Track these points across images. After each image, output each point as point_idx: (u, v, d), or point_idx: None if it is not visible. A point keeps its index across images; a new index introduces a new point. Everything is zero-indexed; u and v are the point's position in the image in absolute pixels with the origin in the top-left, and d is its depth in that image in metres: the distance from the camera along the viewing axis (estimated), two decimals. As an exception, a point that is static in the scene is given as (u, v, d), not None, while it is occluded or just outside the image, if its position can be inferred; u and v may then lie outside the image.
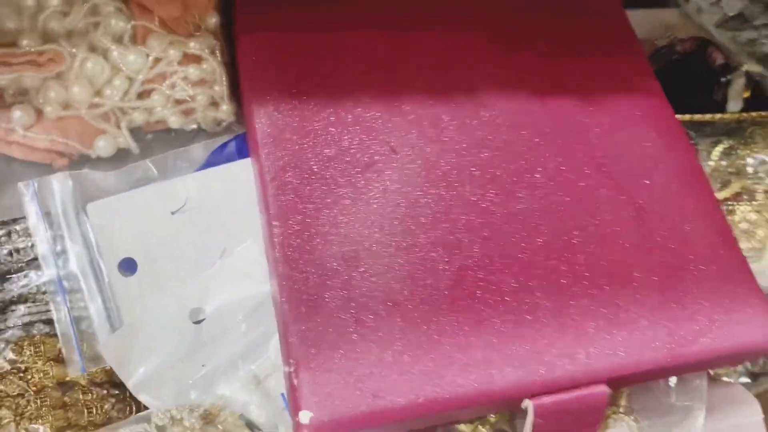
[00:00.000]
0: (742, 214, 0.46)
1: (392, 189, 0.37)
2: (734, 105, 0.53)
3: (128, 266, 0.37)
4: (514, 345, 0.34)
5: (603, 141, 0.42)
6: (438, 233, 0.37)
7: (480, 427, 0.39)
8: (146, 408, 0.36)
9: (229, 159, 0.40)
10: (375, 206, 0.37)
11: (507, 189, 0.38)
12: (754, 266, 0.45)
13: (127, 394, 0.37)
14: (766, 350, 0.38)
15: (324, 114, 0.39)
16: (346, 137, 0.38)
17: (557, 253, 0.37)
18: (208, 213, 0.39)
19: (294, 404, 0.32)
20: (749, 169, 0.47)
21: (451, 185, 0.38)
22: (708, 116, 0.50)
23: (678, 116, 0.44)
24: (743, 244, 0.46)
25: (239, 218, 0.39)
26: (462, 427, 0.38)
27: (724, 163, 0.49)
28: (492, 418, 0.39)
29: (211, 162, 0.40)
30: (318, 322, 0.33)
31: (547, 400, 0.34)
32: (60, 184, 0.37)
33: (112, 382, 0.37)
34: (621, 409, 0.40)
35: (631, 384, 0.38)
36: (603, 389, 0.35)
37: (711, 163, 0.49)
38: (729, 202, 0.47)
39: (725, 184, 0.47)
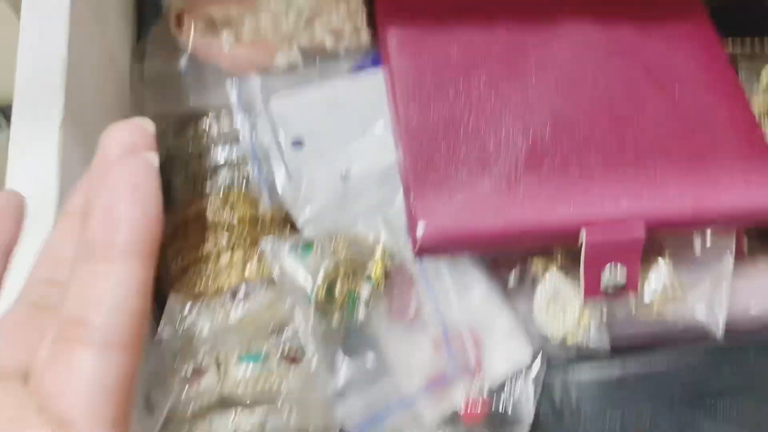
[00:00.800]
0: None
1: (489, 88, 0.51)
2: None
3: (298, 143, 0.53)
4: (572, 191, 0.47)
5: (652, 52, 0.53)
6: (519, 115, 0.50)
7: (550, 264, 0.51)
8: (309, 239, 0.51)
9: (367, 69, 0.55)
10: (475, 99, 0.51)
11: (573, 86, 0.51)
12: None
13: (297, 231, 0.53)
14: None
15: (435, 30, 0.53)
16: (454, 47, 0.52)
17: (609, 133, 0.50)
18: (353, 106, 0.54)
19: (412, 222, 0.46)
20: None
21: (530, 81, 0.51)
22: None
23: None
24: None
25: (374, 110, 0.53)
26: (535, 262, 0.51)
27: (770, 81, 0.59)
28: (560, 258, 0.51)
29: (354, 71, 0.56)
30: (429, 171, 0.47)
31: (596, 231, 0.47)
32: (252, 83, 0.54)
33: (286, 221, 0.53)
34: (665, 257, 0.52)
35: (666, 231, 0.49)
36: (640, 226, 0.47)
37: (761, 84, 0.59)
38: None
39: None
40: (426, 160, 0.48)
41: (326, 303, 0.47)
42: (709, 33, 0.55)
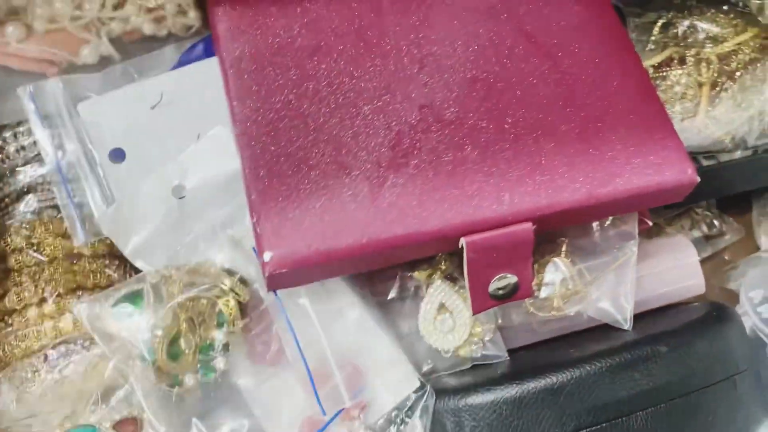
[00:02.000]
0: (675, 78, 0.50)
1: (337, 68, 0.42)
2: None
3: (117, 155, 0.43)
4: (447, 191, 0.39)
5: (532, 16, 0.46)
6: (379, 103, 0.42)
7: (433, 274, 0.44)
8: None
9: (198, 59, 0.46)
10: (323, 83, 0.42)
11: (441, 62, 0.43)
12: (687, 123, 0.50)
13: (126, 262, 0.43)
14: (680, 188, 0.42)
15: (274, 9, 0.44)
16: (297, 26, 0.43)
17: (486, 115, 0.42)
18: (183, 106, 0.44)
19: (259, 248, 0.38)
20: (681, 35, 0.51)
21: (390, 61, 0.43)
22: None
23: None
24: (677, 106, 0.50)
25: (210, 109, 0.44)
26: (417, 274, 0.44)
27: (662, 34, 0.52)
28: (443, 265, 0.44)
29: (183, 62, 0.46)
30: (274, 181, 0.39)
31: (477, 237, 0.39)
32: (53, 88, 0.43)
33: (112, 254, 0.44)
34: (561, 254, 0.45)
35: (559, 224, 0.42)
36: (527, 226, 0.40)
37: (653, 37, 0.53)
38: (663, 69, 0.51)
39: (660, 51, 0.51)
40: (269, 168, 0.39)
41: (171, 365, 0.38)
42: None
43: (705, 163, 0.53)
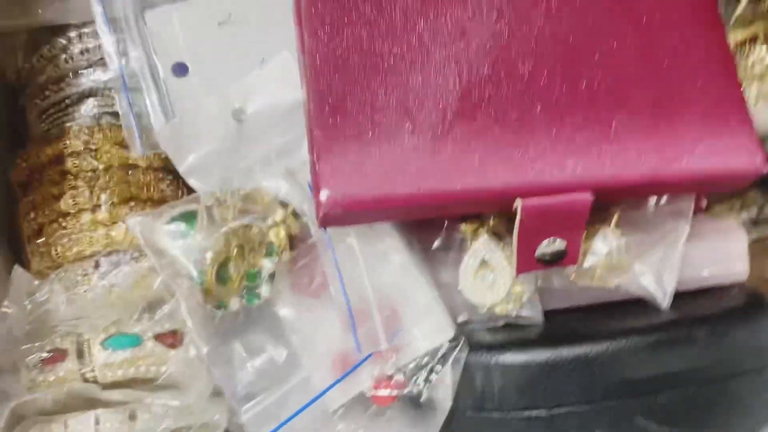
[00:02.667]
0: (757, 57, 0.48)
1: (414, 7, 0.41)
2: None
3: (180, 69, 0.43)
4: (510, 150, 0.39)
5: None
6: (451, 51, 0.40)
7: (480, 228, 0.44)
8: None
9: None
10: (398, 22, 0.41)
11: (521, 13, 0.42)
12: (761, 107, 0.48)
13: (180, 179, 0.43)
14: (746, 176, 0.41)
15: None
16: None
17: (561, 75, 0.41)
18: (251, 26, 0.43)
19: (315, 186, 0.38)
20: (771, 12, 0.48)
21: (468, 6, 0.41)
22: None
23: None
24: (754, 88, 0.48)
25: (278, 32, 0.43)
26: (464, 227, 0.44)
27: (750, 9, 0.50)
28: (491, 221, 0.44)
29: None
30: (338, 119, 0.38)
31: (534, 201, 0.39)
32: (123, -9, 0.42)
33: (167, 169, 0.44)
34: (611, 225, 0.45)
35: (617, 197, 0.42)
36: (586, 197, 0.39)
37: (740, 11, 0.51)
38: (746, 46, 0.48)
39: (746, 27, 0.49)
40: (335, 105, 0.39)
41: (219, 288, 0.38)
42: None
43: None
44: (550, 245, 0.41)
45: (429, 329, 0.43)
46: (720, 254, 0.48)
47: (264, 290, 0.40)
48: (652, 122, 0.40)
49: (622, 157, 0.40)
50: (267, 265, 0.40)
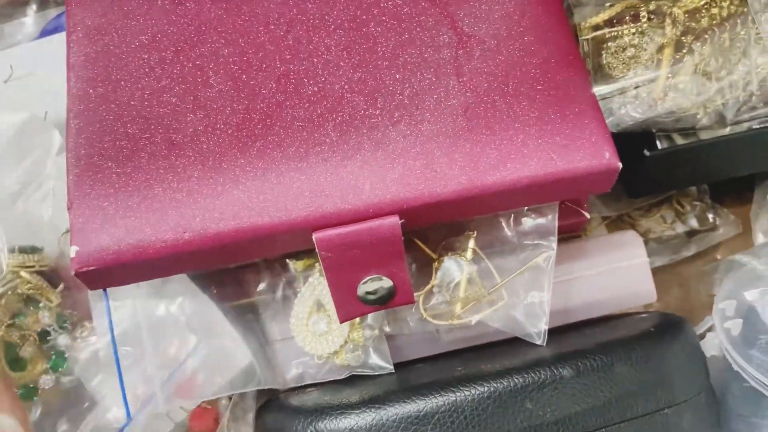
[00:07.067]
0: (629, 39, 0.41)
1: (187, 31, 0.36)
2: None
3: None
4: (295, 178, 0.33)
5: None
6: (229, 73, 0.35)
7: (311, 266, 0.38)
8: None
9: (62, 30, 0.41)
10: (170, 51, 0.36)
11: (312, 23, 0.36)
12: (643, 92, 0.41)
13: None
14: (593, 176, 0.34)
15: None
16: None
17: (356, 88, 0.35)
18: (37, 80, 0.40)
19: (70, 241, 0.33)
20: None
21: (251, 22, 0.36)
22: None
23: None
24: (631, 72, 0.41)
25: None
26: (294, 263, 0.38)
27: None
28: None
29: (46, 32, 0.41)
30: (95, 161, 0.33)
31: (329, 232, 0.33)
32: None
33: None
34: (466, 251, 0.38)
35: (438, 218, 0.35)
36: (393, 221, 0.33)
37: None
38: (616, 27, 0.42)
39: (614, 5, 0.42)
40: (92, 148, 0.34)
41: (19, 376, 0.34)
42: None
43: (680, 141, 0.44)
44: (373, 282, 0.34)
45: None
46: (616, 275, 0.40)
47: (62, 339, 0.36)
48: (464, 128, 0.34)
49: (430, 171, 0.33)
50: (44, 318, 0.35)
